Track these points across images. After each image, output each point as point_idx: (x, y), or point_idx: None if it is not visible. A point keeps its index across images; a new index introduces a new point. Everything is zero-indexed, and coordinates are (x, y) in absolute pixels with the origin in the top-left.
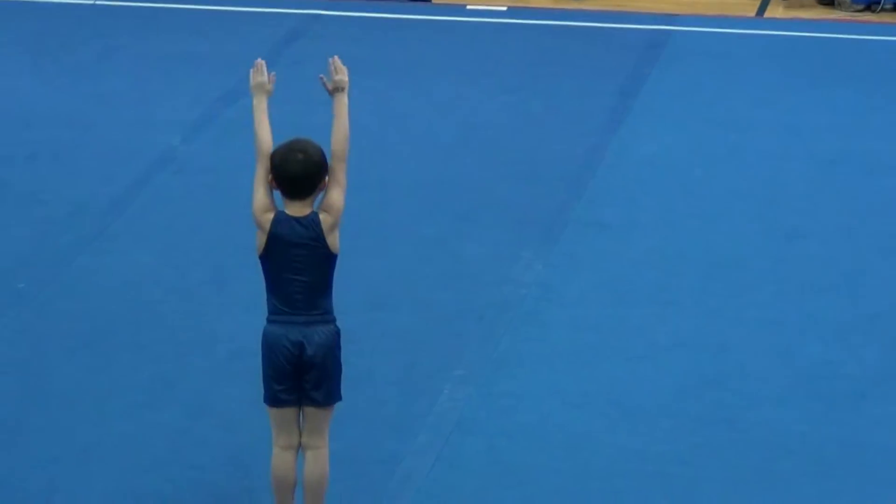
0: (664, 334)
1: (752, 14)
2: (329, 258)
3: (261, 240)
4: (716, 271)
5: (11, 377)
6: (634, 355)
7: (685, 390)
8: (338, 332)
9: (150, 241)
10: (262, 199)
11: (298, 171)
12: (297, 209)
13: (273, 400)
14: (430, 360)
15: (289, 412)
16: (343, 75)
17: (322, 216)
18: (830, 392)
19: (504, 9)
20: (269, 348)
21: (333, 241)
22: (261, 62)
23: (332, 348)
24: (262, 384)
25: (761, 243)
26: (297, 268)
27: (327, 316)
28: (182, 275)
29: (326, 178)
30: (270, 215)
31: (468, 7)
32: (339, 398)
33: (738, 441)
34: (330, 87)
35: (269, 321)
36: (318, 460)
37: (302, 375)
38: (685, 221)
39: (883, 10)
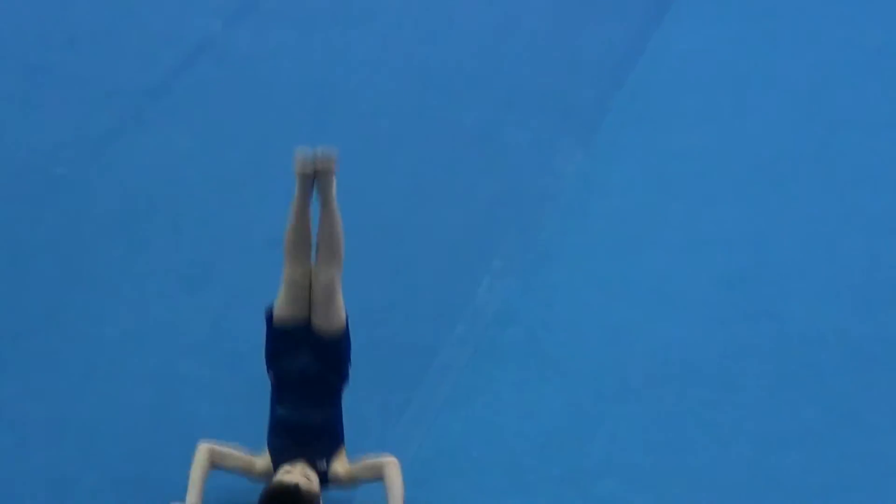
0: (705, 226)
1: None
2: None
3: None
4: (758, 164)
5: (51, 261)
6: (675, 247)
7: (726, 283)
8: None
9: (189, 127)
10: None
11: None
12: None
13: None
14: (469, 250)
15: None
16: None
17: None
18: (872, 287)
19: None
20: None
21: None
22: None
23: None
24: None
25: (804, 135)
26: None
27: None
28: (221, 160)
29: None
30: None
31: None
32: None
33: (777, 334)
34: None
35: None
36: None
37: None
38: (727, 113)
39: None
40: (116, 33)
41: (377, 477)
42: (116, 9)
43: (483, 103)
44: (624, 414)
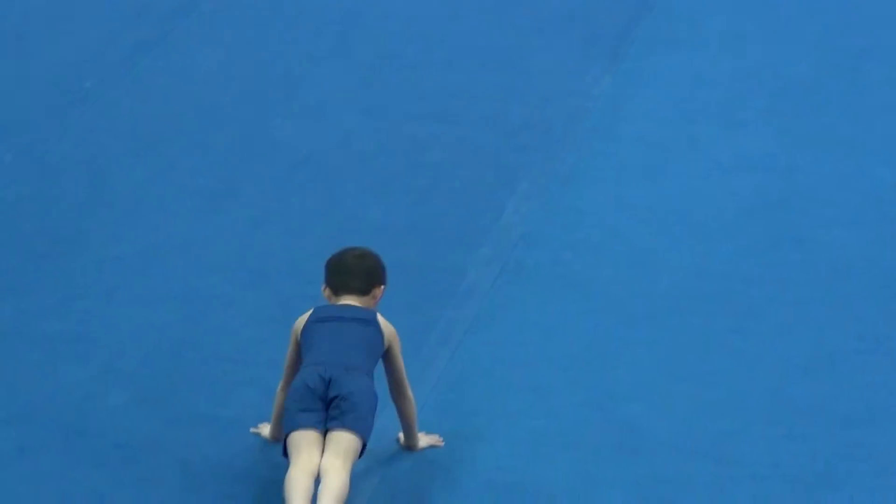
0: (732, 153)
1: None
2: (377, 346)
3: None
4: (785, 91)
5: (76, 176)
6: (702, 173)
7: (752, 210)
8: (375, 394)
9: (218, 44)
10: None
11: (354, 264)
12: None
13: (292, 424)
14: (495, 172)
15: (309, 434)
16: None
17: (383, 321)
18: None
19: None
20: (293, 387)
21: (389, 334)
22: None
23: (365, 392)
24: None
25: (831, 64)
26: (340, 332)
27: (365, 374)
28: (249, 79)
29: (383, 287)
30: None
31: None
32: (366, 433)
33: (804, 262)
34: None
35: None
36: (338, 475)
37: (328, 406)
38: (754, 40)
39: None
40: None
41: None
42: None
43: (510, 27)
44: (649, 339)
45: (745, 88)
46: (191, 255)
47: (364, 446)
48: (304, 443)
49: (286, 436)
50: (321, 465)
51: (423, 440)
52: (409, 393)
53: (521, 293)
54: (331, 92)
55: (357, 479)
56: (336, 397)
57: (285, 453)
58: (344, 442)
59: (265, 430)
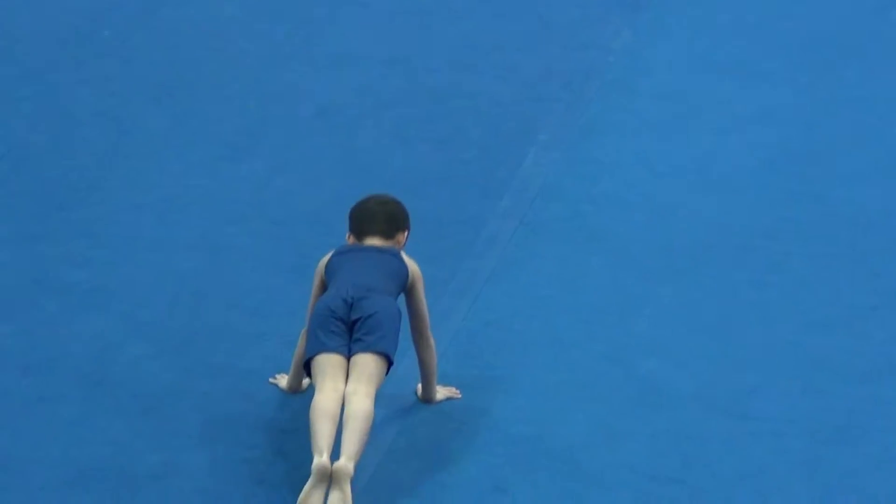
0: (752, 107)
1: None
2: (401, 275)
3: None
4: (806, 45)
5: (95, 125)
6: (722, 126)
7: (772, 164)
8: (398, 311)
9: None
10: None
11: (378, 210)
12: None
13: (316, 347)
14: (515, 123)
15: (333, 358)
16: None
17: (407, 258)
18: None
19: None
20: (316, 311)
21: (413, 271)
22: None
23: (388, 311)
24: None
25: (853, 18)
26: (365, 263)
27: (388, 295)
28: (268, 27)
29: (406, 233)
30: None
31: None
32: (391, 352)
33: (823, 216)
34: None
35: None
36: (363, 401)
37: (351, 328)
38: None
39: None
40: None
41: (411, 273)
42: None
43: None
44: (668, 293)
45: (766, 42)
46: (210, 204)
47: (390, 365)
48: (328, 367)
49: (310, 359)
50: (346, 390)
51: (441, 392)
52: (432, 341)
53: (541, 245)
54: (351, 40)
55: (375, 431)
56: (359, 319)
57: (309, 374)
58: (369, 366)
59: (283, 380)
